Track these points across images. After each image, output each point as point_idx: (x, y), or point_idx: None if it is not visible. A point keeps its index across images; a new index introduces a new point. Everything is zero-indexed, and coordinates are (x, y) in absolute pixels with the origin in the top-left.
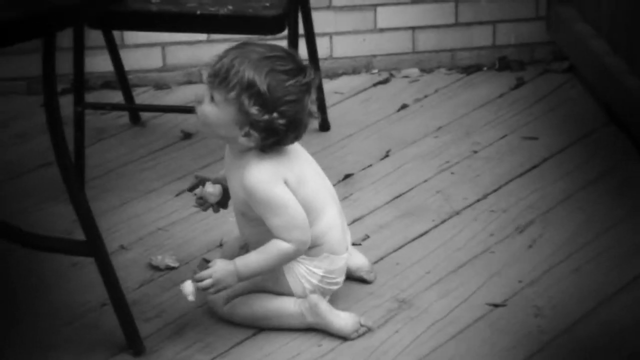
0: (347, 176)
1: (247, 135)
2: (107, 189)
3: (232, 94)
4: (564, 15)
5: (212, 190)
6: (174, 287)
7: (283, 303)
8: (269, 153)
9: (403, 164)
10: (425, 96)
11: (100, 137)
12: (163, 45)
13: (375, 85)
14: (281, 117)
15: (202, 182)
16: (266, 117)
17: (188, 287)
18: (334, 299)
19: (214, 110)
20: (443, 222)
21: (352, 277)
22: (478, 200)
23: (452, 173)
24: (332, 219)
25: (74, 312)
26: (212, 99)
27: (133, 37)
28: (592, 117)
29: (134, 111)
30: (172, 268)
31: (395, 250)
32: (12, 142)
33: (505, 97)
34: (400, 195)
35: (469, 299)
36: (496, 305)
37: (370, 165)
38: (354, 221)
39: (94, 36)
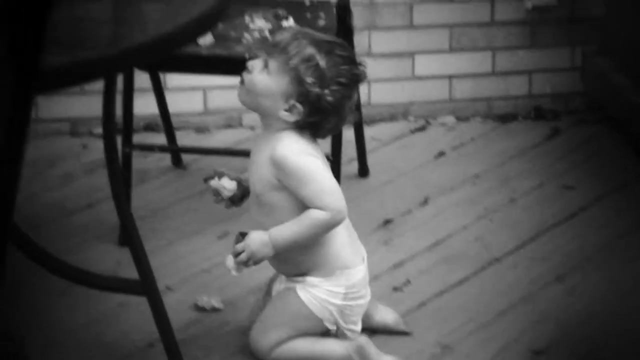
0: (387, 222)
1: (290, 109)
2: (152, 230)
3: (291, 62)
4: (599, 66)
5: (227, 184)
6: (219, 328)
7: (330, 346)
8: (303, 136)
9: (442, 211)
10: (462, 144)
11: (143, 179)
12: (204, 89)
13: (412, 132)
14: (331, 95)
15: (219, 175)
16: (318, 90)
17: (229, 262)
18: (377, 343)
19: (265, 79)
20: (483, 268)
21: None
22: (517, 248)
23: (490, 220)
24: (339, 235)
25: (122, 352)
26: (265, 67)
27: (175, 80)
28: (627, 166)
29: (178, 153)
30: (218, 309)
31: (436, 296)
32: (58, 182)
33: (541, 146)
34: (440, 242)
35: (511, 346)
36: (538, 353)
37: (410, 211)
38: (394, 266)
39: (137, 78)
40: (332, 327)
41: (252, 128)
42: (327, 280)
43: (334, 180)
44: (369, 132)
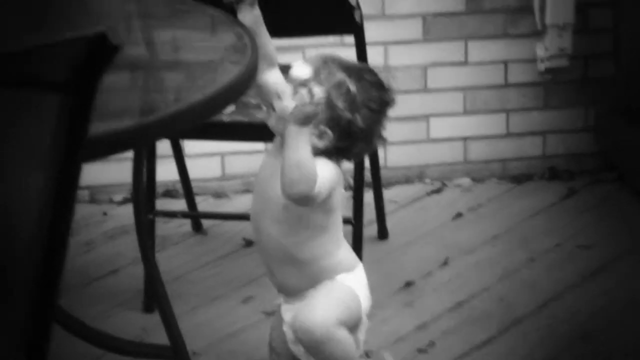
0: (408, 283)
1: (320, 135)
2: (175, 296)
3: (324, 87)
4: (612, 125)
5: None
6: None
7: None
8: (330, 160)
9: (463, 272)
10: (479, 205)
11: (164, 245)
12: (222, 155)
13: (429, 194)
14: (361, 120)
15: None
16: (348, 115)
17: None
18: None
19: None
20: (507, 329)
21: None
22: (540, 308)
23: (511, 281)
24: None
25: None
26: (296, 94)
27: (193, 146)
28: None
29: (198, 219)
30: None
31: (462, 357)
32: (80, 250)
33: (556, 206)
34: (462, 303)
35: None
36: None
37: (431, 273)
38: (418, 328)
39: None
40: (365, 317)
41: None
42: (350, 273)
43: (328, 185)
44: (386, 194)
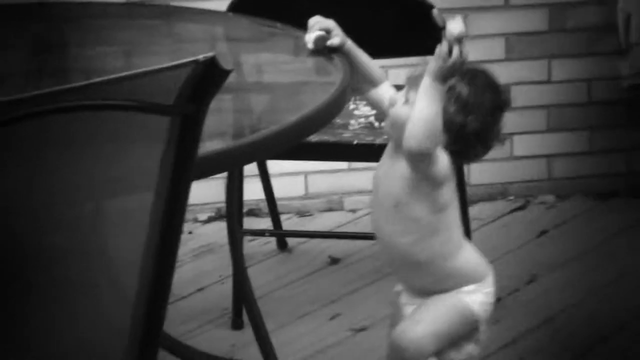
0: (496, 300)
1: None
2: (262, 313)
3: None
4: None
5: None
6: None
7: None
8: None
9: (550, 289)
10: (564, 222)
11: (249, 263)
12: (305, 174)
13: (512, 211)
14: (473, 122)
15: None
16: (460, 118)
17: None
18: None
19: (406, 110)
20: (594, 347)
21: None
22: (630, 325)
23: (599, 298)
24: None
25: None
26: (407, 101)
27: (277, 165)
28: None
29: (283, 237)
30: None
31: None
32: None
33: None
34: (550, 320)
35: None
36: None
37: (518, 290)
38: (506, 345)
39: None
40: (484, 328)
41: (353, 211)
42: (481, 285)
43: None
44: (469, 211)
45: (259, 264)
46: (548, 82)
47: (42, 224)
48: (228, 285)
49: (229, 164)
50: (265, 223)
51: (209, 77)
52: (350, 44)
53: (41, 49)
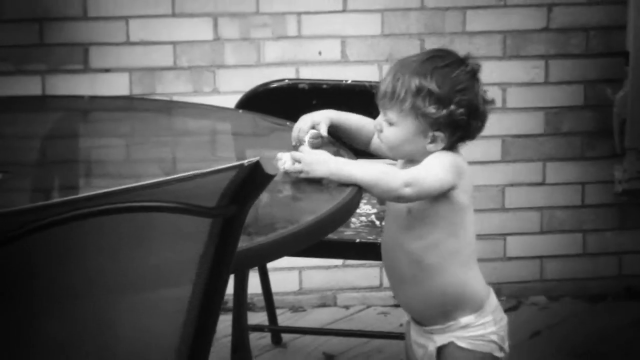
0: None
1: (433, 140)
2: None
3: (406, 105)
4: None
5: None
6: None
7: None
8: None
9: None
10: (556, 324)
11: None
12: (300, 269)
13: (505, 311)
14: (458, 107)
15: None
16: (444, 112)
17: (285, 156)
18: None
19: (393, 131)
20: None
21: None
22: None
23: None
24: (476, 265)
25: None
26: (388, 122)
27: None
28: None
29: (279, 332)
30: None
31: None
32: None
33: (636, 326)
34: None
35: None
36: None
37: None
38: None
39: None
40: (501, 354)
41: (346, 307)
42: (479, 316)
43: (443, 179)
44: None
45: (255, 359)
46: (542, 184)
47: (77, 315)
48: None
49: (249, 262)
50: (260, 317)
51: (252, 181)
52: (335, 117)
53: (47, 140)
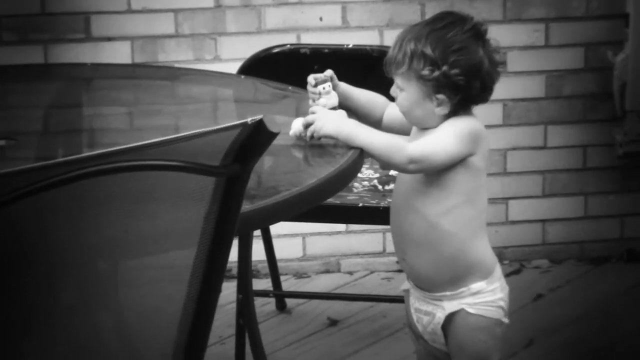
0: None
1: (440, 104)
2: None
3: (404, 68)
4: None
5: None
6: None
7: None
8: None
9: (548, 352)
10: (559, 286)
11: None
12: (303, 236)
13: (508, 275)
14: (453, 67)
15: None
16: (437, 73)
17: (296, 122)
18: None
19: (402, 96)
20: None
21: None
22: None
23: None
24: (484, 233)
25: None
26: (397, 88)
27: (275, 227)
28: None
29: (282, 298)
30: None
31: None
32: None
33: (638, 288)
34: None
35: None
36: None
37: (516, 354)
38: None
39: None
40: (506, 320)
41: (350, 273)
42: (489, 282)
43: (454, 152)
44: None
45: (259, 324)
46: (544, 147)
47: (85, 277)
48: (228, 346)
49: (252, 225)
50: (264, 284)
51: (255, 139)
52: (343, 88)
53: (51, 109)
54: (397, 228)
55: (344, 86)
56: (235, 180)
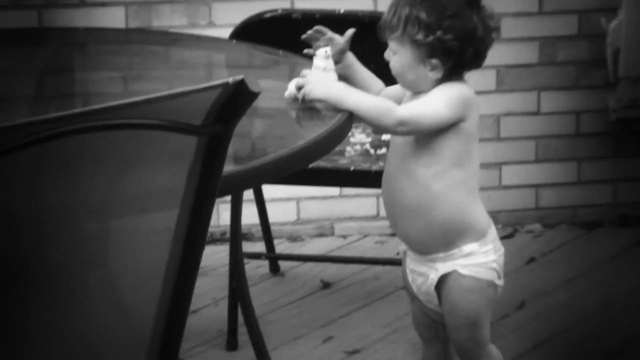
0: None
1: (433, 68)
2: None
3: (398, 33)
4: None
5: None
6: None
7: None
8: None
9: (539, 314)
10: (551, 250)
11: None
12: (297, 200)
13: (501, 239)
14: (447, 32)
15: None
16: (431, 37)
17: (291, 84)
18: None
19: (395, 59)
20: None
21: None
22: (619, 352)
23: (588, 324)
24: (478, 195)
25: None
26: (391, 51)
27: (269, 191)
28: None
29: (276, 261)
30: None
31: None
32: None
33: (629, 253)
34: (539, 345)
35: None
36: None
37: (507, 316)
38: None
39: None
40: (500, 282)
41: (344, 237)
42: (482, 244)
43: (444, 117)
44: None
45: (253, 287)
46: (537, 113)
47: (70, 237)
48: (221, 308)
49: (240, 185)
50: (258, 247)
51: (237, 99)
52: (350, 58)
53: (44, 73)
54: (388, 195)
55: (350, 56)
56: (217, 140)
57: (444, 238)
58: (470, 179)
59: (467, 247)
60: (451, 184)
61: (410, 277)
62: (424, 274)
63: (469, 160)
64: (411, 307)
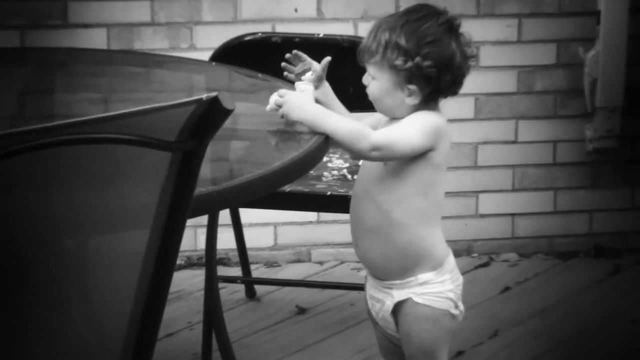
0: (459, 353)
1: (410, 94)
2: None
3: (377, 57)
4: None
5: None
6: None
7: None
8: (435, 110)
9: (512, 343)
10: (526, 279)
11: None
12: (275, 225)
13: (476, 267)
14: (425, 59)
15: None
16: (410, 63)
17: (272, 97)
18: None
19: (374, 84)
20: None
21: None
22: None
23: (560, 353)
24: (438, 223)
25: None
26: (369, 76)
27: (247, 216)
28: None
29: (252, 285)
30: None
31: None
32: None
33: (604, 283)
34: None
35: None
36: None
37: (481, 343)
38: None
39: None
40: (457, 312)
41: (320, 263)
42: (437, 273)
43: (409, 149)
44: None
45: (228, 311)
46: (515, 142)
47: (39, 256)
48: (196, 332)
49: (215, 206)
50: (235, 272)
51: (211, 115)
52: (328, 89)
53: (24, 93)
54: (353, 215)
55: (327, 85)
56: (191, 156)
57: (401, 264)
58: (431, 208)
59: (423, 276)
60: (411, 212)
61: (369, 303)
62: (381, 300)
63: (432, 190)
64: (375, 332)
